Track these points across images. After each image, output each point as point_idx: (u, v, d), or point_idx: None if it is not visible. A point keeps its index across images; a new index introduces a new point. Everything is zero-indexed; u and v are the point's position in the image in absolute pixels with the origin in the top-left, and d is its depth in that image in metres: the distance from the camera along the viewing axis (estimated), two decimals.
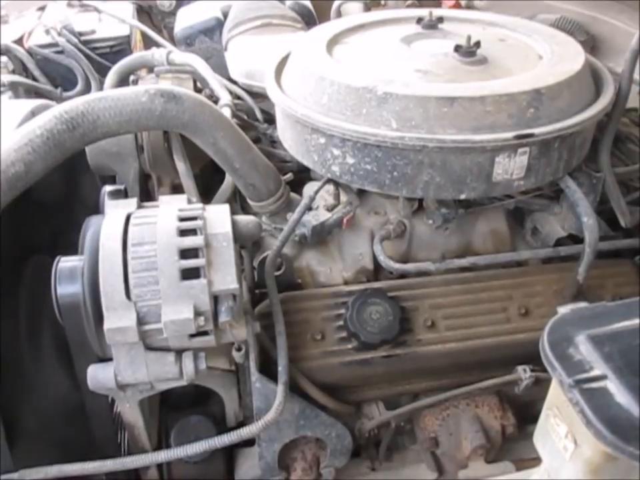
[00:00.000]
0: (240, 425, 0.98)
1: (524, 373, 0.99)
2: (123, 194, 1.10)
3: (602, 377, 0.45)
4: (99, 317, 0.80)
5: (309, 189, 1.20)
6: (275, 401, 0.85)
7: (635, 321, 0.49)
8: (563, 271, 1.11)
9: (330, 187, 1.19)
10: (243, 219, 0.89)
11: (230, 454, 1.02)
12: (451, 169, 0.92)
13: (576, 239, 1.14)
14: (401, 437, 1.13)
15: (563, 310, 0.52)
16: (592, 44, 1.59)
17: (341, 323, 0.99)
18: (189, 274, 0.79)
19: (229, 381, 1.01)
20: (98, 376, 0.80)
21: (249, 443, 1.04)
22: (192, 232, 0.81)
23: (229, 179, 1.26)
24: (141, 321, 0.77)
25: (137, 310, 0.77)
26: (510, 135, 0.88)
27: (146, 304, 0.77)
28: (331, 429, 0.95)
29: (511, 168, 0.93)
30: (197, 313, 0.77)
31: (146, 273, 0.77)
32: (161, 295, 0.77)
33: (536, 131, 0.90)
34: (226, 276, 0.80)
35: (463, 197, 0.96)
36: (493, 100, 0.89)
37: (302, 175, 1.27)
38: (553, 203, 1.17)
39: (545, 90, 0.92)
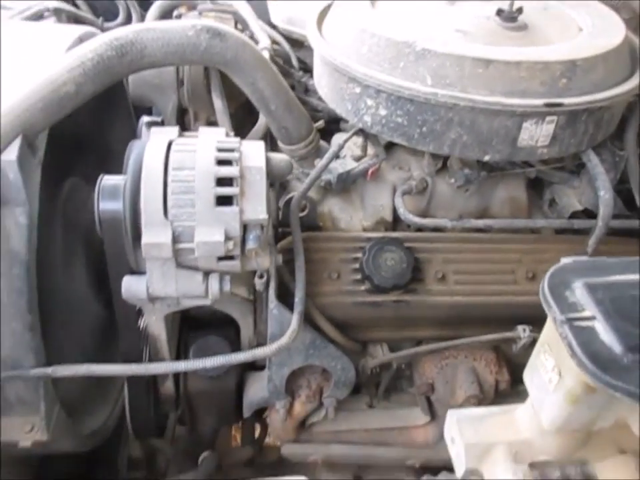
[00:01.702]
0: None
1: (523, 332, 1.05)
2: (160, 125, 1.16)
3: (591, 318, 0.51)
4: (136, 233, 0.87)
5: (338, 138, 1.24)
6: (290, 327, 0.92)
7: (630, 276, 0.54)
8: (573, 243, 1.15)
9: (358, 139, 1.23)
10: (276, 156, 0.94)
11: (241, 376, 1.10)
12: (479, 130, 0.96)
13: (590, 214, 1.18)
14: (399, 381, 1.21)
15: (566, 260, 0.57)
16: (636, 24, 1.58)
17: (357, 266, 1.05)
18: (223, 201, 0.85)
19: (246, 308, 1.09)
20: (132, 286, 0.87)
21: (259, 368, 1.12)
22: (228, 163, 0.87)
23: (261, 121, 1.31)
24: (175, 239, 0.83)
25: (173, 229, 0.83)
26: (540, 102, 0.92)
27: (181, 224, 0.83)
28: (337, 361, 1.02)
29: (536, 135, 0.96)
30: (227, 238, 0.84)
31: (184, 196, 0.83)
32: (195, 217, 0.83)
33: (565, 101, 0.93)
34: (256, 206, 0.86)
35: (486, 158, 0.99)
36: (528, 66, 0.92)
37: (331, 126, 1.32)
38: (572, 177, 1.20)
39: (580, 62, 0.95)
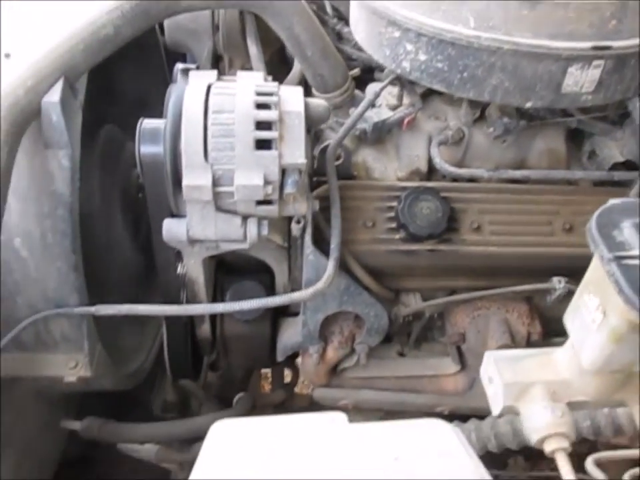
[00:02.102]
0: None
1: (558, 284, 1.05)
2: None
3: (639, 257, 0.50)
4: (176, 176, 0.88)
5: (373, 87, 1.22)
6: (325, 273, 0.93)
7: None
8: (612, 195, 1.12)
9: (394, 89, 1.21)
10: (314, 101, 0.93)
11: (275, 321, 1.12)
12: (522, 75, 0.93)
13: (631, 167, 1.16)
14: (430, 330, 1.22)
15: (615, 200, 0.57)
16: None
17: (392, 214, 1.05)
18: (262, 145, 0.85)
19: (281, 255, 1.10)
20: (172, 229, 0.89)
21: (293, 314, 1.15)
22: (267, 107, 0.87)
23: (296, 69, 1.29)
24: (215, 182, 0.84)
25: (213, 172, 0.84)
26: (587, 44, 0.89)
27: (221, 167, 0.84)
28: (371, 308, 1.04)
29: (582, 80, 0.93)
30: (266, 182, 0.84)
31: (223, 139, 0.83)
32: (235, 160, 0.83)
33: (614, 44, 0.90)
34: (295, 151, 0.86)
35: (529, 104, 0.97)
36: (577, 6, 0.89)
37: (365, 76, 1.30)
38: (615, 128, 1.17)
39: (632, 3, 0.91)
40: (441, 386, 1.20)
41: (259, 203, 0.88)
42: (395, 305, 1.11)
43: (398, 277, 1.10)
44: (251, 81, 0.89)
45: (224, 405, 1.66)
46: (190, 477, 0.57)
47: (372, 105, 1.15)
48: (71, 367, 1.03)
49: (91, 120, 1.12)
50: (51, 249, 0.93)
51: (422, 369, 1.20)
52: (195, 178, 0.83)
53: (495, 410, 0.64)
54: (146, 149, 0.88)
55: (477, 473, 0.54)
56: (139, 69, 1.43)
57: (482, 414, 1.05)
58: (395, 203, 1.06)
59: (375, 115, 1.17)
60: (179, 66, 1.09)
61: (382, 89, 1.13)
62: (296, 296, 0.93)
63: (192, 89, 0.87)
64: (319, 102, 0.93)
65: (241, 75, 0.93)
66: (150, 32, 1.41)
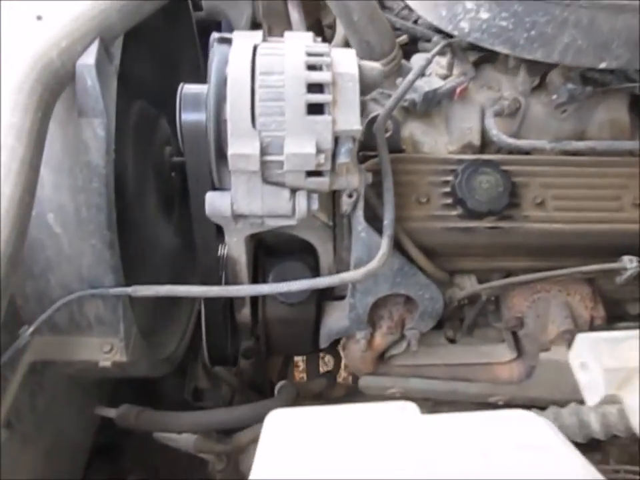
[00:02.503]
0: None
1: (630, 263, 0.96)
2: (230, 42, 1.08)
3: None
4: (220, 145, 0.82)
5: (419, 59, 1.14)
6: (379, 251, 0.86)
7: None
8: None
9: (442, 59, 1.13)
10: (367, 64, 0.86)
11: (319, 305, 1.05)
12: (597, 31, 0.84)
13: None
14: (484, 317, 1.14)
15: None
16: None
17: (448, 189, 0.97)
18: (314, 109, 0.78)
19: (325, 234, 1.03)
20: (215, 202, 0.82)
21: (337, 298, 1.08)
22: (319, 68, 0.79)
23: (339, 37, 1.22)
24: (263, 151, 0.77)
25: (261, 139, 0.77)
26: None
27: (270, 134, 0.77)
28: (425, 290, 0.96)
29: None
30: (318, 150, 0.77)
31: (272, 103, 0.76)
32: (285, 126, 0.76)
33: None
34: (349, 116, 0.78)
35: (603, 65, 0.88)
36: None
37: (408, 48, 1.21)
38: None
39: None
40: (495, 374, 1.13)
41: (309, 174, 0.81)
42: (449, 288, 1.03)
43: (452, 257, 1.02)
44: (300, 42, 0.82)
45: (257, 393, 1.61)
46: (251, 476, 0.51)
47: (421, 74, 1.07)
48: (105, 351, 0.97)
49: (123, 94, 1.07)
50: (85, 224, 0.87)
51: (475, 356, 1.13)
52: (241, 146, 0.76)
53: (592, 399, 0.57)
54: (187, 117, 0.82)
55: (586, 471, 0.46)
56: (169, 44, 1.37)
57: (540, 405, 0.98)
58: (450, 177, 0.98)
59: (425, 85, 1.09)
60: (215, 35, 1.03)
61: (434, 55, 1.05)
62: (347, 276, 0.85)
63: (237, 50, 0.80)
64: (372, 65, 0.86)
65: (289, 35, 0.86)
66: (182, 6, 1.35)
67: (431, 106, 1.10)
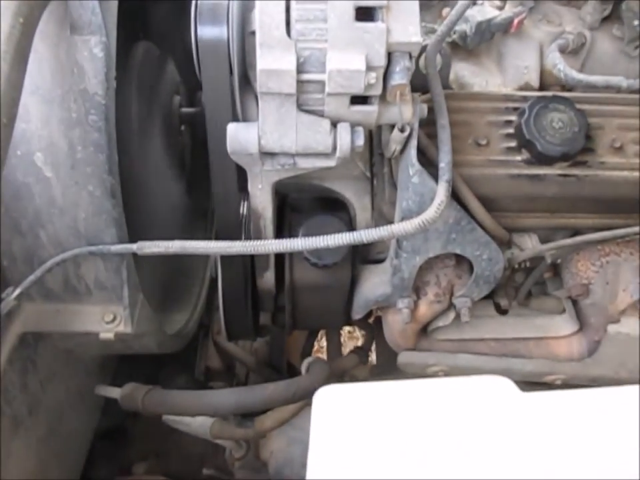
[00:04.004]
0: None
1: None
2: None
3: None
4: (245, 65, 0.67)
5: None
6: (435, 199, 0.71)
7: None
8: None
9: None
10: None
11: (354, 269, 0.91)
12: None
13: None
14: (539, 286, 0.99)
15: None
16: None
17: (511, 130, 0.82)
18: (363, 15, 0.62)
19: (362, 187, 0.89)
20: (239, 136, 0.67)
21: (373, 262, 0.93)
22: None
23: None
24: (299, 68, 0.62)
25: (297, 52, 0.61)
26: None
27: (309, 46, 0.61)
28: (484, 249, 0.81)
29: None
30: (368, 67, 0.62)
31: (313, 5, 0.61)
32: (328, 36, 0.61)
33: None
34: (407, 26, 0.63)
35: None
36: None
37: None
38: None
39: None
40: (553, 350, 0.98)
41: (354, 101, 0.66)
42: (507, 249, 0.88)
43: (512, 211, 0.87)
44: None
45: (274, 372, 1.48)
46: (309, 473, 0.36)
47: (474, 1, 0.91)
48: (107, 321, 0.83)
49: (126, 32, 0.92)
50: (81, 166, 0.73)
51: (529, 329, 0.98)
52: (274, 60, 0.61)
53: None
54: (205, 32, 0.66)
55: None
56: None
57: (603, 384, 0.83)
58: (513, 117, 0.83)
59: (477, 14, 0.94)
60: None
61: None
62: (397, 228, 0.70)
63: None
64: None
65: None
66: None
67: (483, 39, 0.95)
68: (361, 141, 0.68)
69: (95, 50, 0.70)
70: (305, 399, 0.83)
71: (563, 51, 0.95)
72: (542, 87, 0.97)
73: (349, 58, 0.61)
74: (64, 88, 0.70)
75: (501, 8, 0.99)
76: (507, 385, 0.46)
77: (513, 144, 0.82)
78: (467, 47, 0.95)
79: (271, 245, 0.72)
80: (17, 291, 0.72)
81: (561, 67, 0.89)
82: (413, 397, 0.45)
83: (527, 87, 0.96)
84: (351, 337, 2.26)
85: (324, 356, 1.70)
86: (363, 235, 0.71)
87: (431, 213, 0.70)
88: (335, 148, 0.68)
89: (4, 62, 0.57)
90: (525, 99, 0.84)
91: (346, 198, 0.89)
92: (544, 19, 0.99)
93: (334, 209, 0.91)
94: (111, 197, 0.75)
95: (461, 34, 0.93)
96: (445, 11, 0.97)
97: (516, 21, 0.94)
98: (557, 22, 0.99)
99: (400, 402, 0.45)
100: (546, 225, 0.89)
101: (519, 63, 0.97)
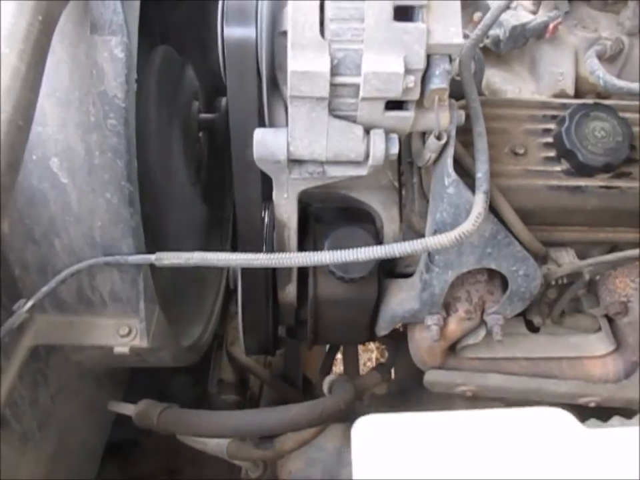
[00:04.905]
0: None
1: None
2: None
3: None
4: (274, 68, 0.63)
5: None
6: (473, 211, 0.67)
7: None
8: None
9: None
10: None
11: (380, 283, 0.86)
12: None
13: None
14: (573, 302, 0.95)
15: None
16: None
17: (549, 139, 0.78)
18: (402, 15, 0.58)
19: (391, 197, 0.85)
20: (267, 141, 0.63)
21: (400, 275, 0.89)
22: None
23: None
24: (333, 70, 0.58)
25: (331, 53, 0.58)
26: None
27: (343, 47, 0.58)
28: (521, 264, 0.77)
29: None
30: (407, 69, 0.58)
31: (349, 4, 0.57)
32: (364, 36, 0.57)
33: None
34: (448, 27, 0.59)
35: None
36: None
37: None
38: None
39: None
40: (586, 371, 0.93)
41: (389, 106, 0.62)
42: (543, 264, 0.83)
43: (548, 224, 0.82)
44: None
45: (290, 386, 1.43)
46: None
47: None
48: (122, 335, 0.79)
49: (145, 35, 0.89)
50: (98, 172, 0.69)
51: (562, 348, 0.93)
52: (306, 61, 0.57)
53: None
54: (232, 32, 0.63)
55: None
56: None
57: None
58: (552, 125, 0.79)
59: (511, 18, 0.90)
60: None
61: None
62: (432, 242, 0.66)
63: None
64: None
65: None
66: None
67: (517, 44, 0.91)
68: (395, 148, 0.64)
69: (115, 51, 0.66)
70: (329, 420, 0.78)
71: (600, 57, 0.91)
72: (577, 94, 0.94)
73: (386, 60, 0.57)
74: (82, 90, 0.67)
75: (534, 12, 0.96)
76: (567, 418, 0.41)
77: (552, 153, 0.77)
78: (499, 52, 0.92)
79: (298, 258, 0.68)
80: (30, 303, 0.68)
81: (600, 73, 0.85)
82: (461, 429, 0.41)
83: (562, 94, 0.92)
84: (365, 349, 2.21)
85: (337, 368, 1.66)
86: (395, 249, 0.67)
87: (468, 225, 0.66)
88: (367, 156, 0.64)
89: (21, 61, 0.54)
90: (563, 106, 0.80)
91: (373, 208, 0.85)
92: (579, 24, 0.96)
93: (359, 219, 0.87)
94: (128, 205, 0.71)
95: (494, 39, 0.90)
96: (477, 15, 0.93)
97: (551, 26, 0.90)
98: (593, 27, 0.95)
99: (449, 434, 0.40)
100: (584, 239, 0.84)
101: (553, 70, 0.93)
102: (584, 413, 0.96)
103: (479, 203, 0.67)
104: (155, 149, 0.97)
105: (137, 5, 0.69)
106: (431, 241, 0.66)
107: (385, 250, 0.67)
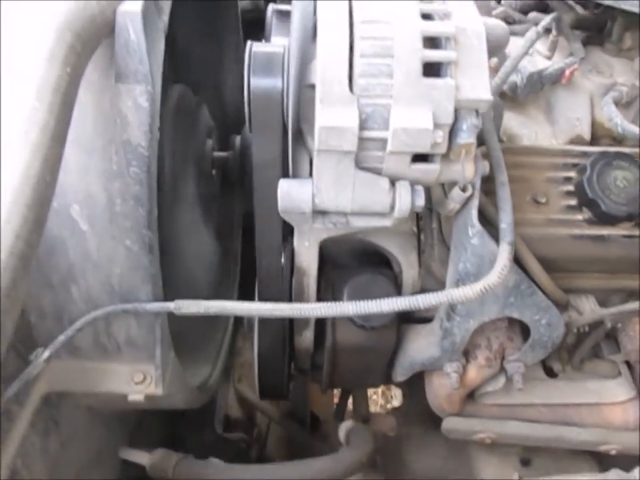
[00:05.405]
0: None
1: None
2: (289, 15, 0.90)
3: None
4: (298, 120, 0.63)
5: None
6: (498, 263, 0.66)
7: None
8: None
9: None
10: (490, 20, 0.67)
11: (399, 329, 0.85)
12: None
13: None
14: (592, 348, 0.93)
15: None
16: None
17: (570, 187, 0.78)
18: (430, 70, 0.58)
19: (409, 242, 0.84)
20: (292, 193, 0.63)
21: (421, 319, 0.88)
22: (435, 18, 0.60)
23: None
24: (361, 125, 0.58)
25: (359, 108, 0.57)
26: None
27: (372, 102, 0.58)
28: (544, 314, 0.76)
29: None
30: (435, 125, 0.58)
31: (378, 60, 0.57)
32: (393, 92, 0.57)
33: None
34: (476, 82, 0.59)
35: None
36: None
37: None
38: None
39: None
40: (606, 417, 0.92)
41: (416, 159, 0.62)
42: (564, 312, 0.82)
43: (568, 272, 0.82)
44: None
45: (298, 424, 1.41)
46: None
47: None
48: (137, 382, 0.78)
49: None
50: (119, 220, 0.68)
51: (581, 394, 0.92)
52: (335, 117, 0.57)
53: None
54: (258, 82, 0.63)
55: None
56: (210, 30, 1.20)
57: None
58: (572, 173, 0.79)
59: (528, 65, 0.91)
60: (273, 7, 0.86)
61: (544, 27, 0.86)
62: (458, 294, 0.65)
63: None
64: (496, 22, 0.67)
65: None
66: None
67: (533, 89, 0.92)
68: (421, 200, 0.63)
69: (139, 99, 0.66)
70: (353, 475, 0.76)
71: (616, 103, 0.91)
72: (592, 139, 0.94)
73: (415, 115, 0.57)
74: (105, 138, 0.67)
75: (549, 58, 0.96)
76: None
77: (573, 202, 0.77)
78: (517, 97, 0.92)
79: (321, 309, 0.67)
80: (47, 353, 0.67)
81: (619, 121, 0.85)
82: None
83: (578, 139, 0.93)
84: None
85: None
86: (419, 301, 0.66)
87: (493, 278, 0.65)
88: (392, 207, 0.64)
89: (50, 115, 0.53)
90: (583, 154, 0.80)
91: (391, 254, 0.84)
92: (594, 70, 0.96)
93: (375, 261, 0.86)
94: (148, 253, 0.70)
95: (511, 85, 0.90)
96: (493, 61, 0.93)
97: (568, 72, 0.91)
98: (608, 73, 0.96)
99: None
100: (604, 286, 0.83)
101: (569, 115, 0.93)
102: (605, 460, 0.95)
103: (503, 254, 0.67)
104: (169, 190, 0.96)
105: (162, 52, 0.70)
106: (456, 293, 0.66)
107: (409, 302, 0.66)
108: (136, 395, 0.77)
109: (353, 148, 0.58)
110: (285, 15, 0.87)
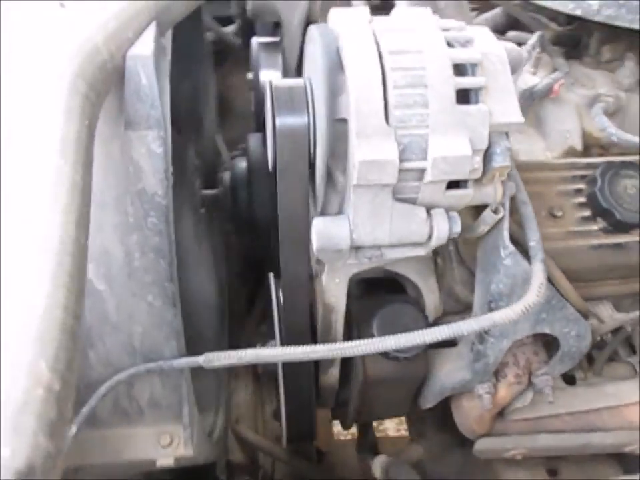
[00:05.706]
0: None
1: None
2: (277, 47, 0.89)
3: None
4: (329, 155, 0.61)
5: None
6: (534, 281, 0.66)
7: None
8: None
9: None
10: (506, 44, 0.67)
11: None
12: None
13: None
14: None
15: None
16: None
17: (582, 199, 0.79)
18: (462, 98, 0.58)
19: (427, 267, 0.82)
20: (328, 231, 0.60)
21: (447, 344, 0.87)
22: (460, 45, 0.60)
23: None
24: (400, 156, 0.56)
25: (397, 139, 0.56)
26: None
27: (409, 132, 0.56)
28: (573, 326, 0.76)
29: None
30: (472, 151, 0.57)
31: (412, 90, 0.56)
32: (429, 121, 0.56)
33: None
34: (507, 106, 0.59)
35: None
36: None
37: None
38: None
39: None
40: (627, 418, 0.92)
41: (450, 185, 0.61)
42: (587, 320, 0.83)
43: (587, 281, 0.83)
44: (424, 14, 0.62)
45: (305, 461, 1.36)
46: None
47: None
48: (164, 445, 0.73)
49: None
50: (139, 275, 0.64)
51: (601, 399, 0.92)
52: (373, 150, 0.55)
53: None
54: (284, 121, 0.60)
55: None
56: (182, 64, 1.17)
57: None
58: (581, 185, 0.80)
59: (520, 82, 0.93)
60: (256, 40, 0.84)
61: (533, 46, 0.88)
62: (499, 316, 0.64)
63: (350, 25, 0.60)
64: (511, 45, 0.67)
65: (399, 11, 0.66)
66: (194, 25, 1.16)
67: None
68: (458, 227, 0.62)
69: (152, 146, 0.62)
70: None
71: (604, 113, 0.94)
72: (586, 150, 0.96)
73: (453, 143, 0.56)
74: (118, 190, 0.63)
75: (534, 74, 0.98)
76: None
77: (587, 213, 0.78)
78: None
79: (361, 347, 0.65)
80: (74, 429, 0.61)
81: (612, 130, 0.87)
82: None
83: (571, 150, 0.95)
84: None
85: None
86: (463, 328, 0.64)
87: (532, 297, 0.65)
88: (430, 236, 0.62)
89: (76, 172, 0.49)
90: (588, 165, 0.82)
91: (410, 280, 0.83)
92: (576, 83, 0.99)
93: (392, 288, 0.84)
94: (172, 306, 0.66)
95: None
96: None
97: (556, 87, 0.93)
98: (590, 85, 0.98)
99: None
100: (619, 292, 0.85)
101: (559, 127, 0.96)
102: (631, 461, 0.96)
103: (538, 272, 0.66)
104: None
105: (168, 94, 0.66)
106: (499, 316, 0.65)
107: (452, 330, 0.64)
108: (165, 459, 0.72)
109: (393, 180, 0.57)
110: (271, 47, 0.86)
